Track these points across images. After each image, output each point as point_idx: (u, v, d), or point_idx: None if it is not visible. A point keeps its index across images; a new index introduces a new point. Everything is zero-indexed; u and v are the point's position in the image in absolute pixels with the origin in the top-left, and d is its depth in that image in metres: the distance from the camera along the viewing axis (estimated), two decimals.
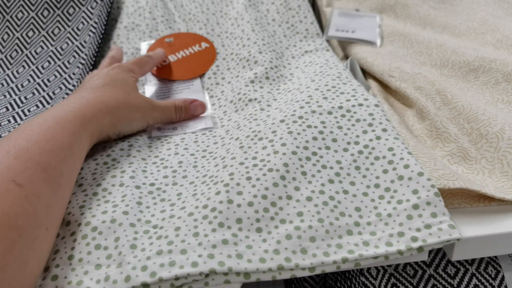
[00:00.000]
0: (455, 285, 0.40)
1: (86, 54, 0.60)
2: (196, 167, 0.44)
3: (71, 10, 0.65)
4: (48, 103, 0.54)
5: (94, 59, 0.60)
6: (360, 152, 0.42)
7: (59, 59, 0.61)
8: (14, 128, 0.49)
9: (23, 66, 0.61)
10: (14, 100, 0.55)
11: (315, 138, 0.43)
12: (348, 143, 0.43)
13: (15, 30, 0.64)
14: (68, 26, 0.64)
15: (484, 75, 0.53)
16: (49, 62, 0.61)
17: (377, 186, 0.39)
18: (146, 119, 0.48)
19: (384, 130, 0.44)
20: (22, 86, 0.58)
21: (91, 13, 0.65)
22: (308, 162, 0.41)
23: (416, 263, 0.41)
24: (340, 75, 0.52)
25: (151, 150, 0.47)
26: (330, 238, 0.35)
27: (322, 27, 0.68)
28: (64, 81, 0.58)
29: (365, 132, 0.44)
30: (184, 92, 0.58)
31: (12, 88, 0.58)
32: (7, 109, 0.54)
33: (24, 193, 0.32)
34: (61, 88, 0.56)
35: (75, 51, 0.61)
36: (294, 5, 0.68)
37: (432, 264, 0.41)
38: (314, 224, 0.36)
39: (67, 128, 0.39)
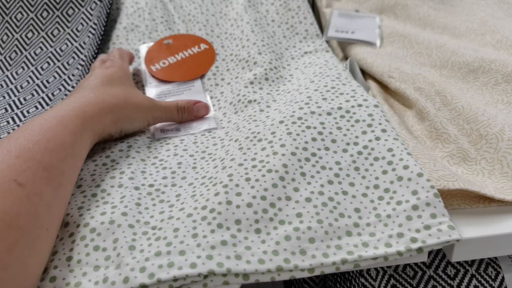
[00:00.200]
0: (455, 286, 0.40)
1: (85, 55, 0.60)
2: (195, 168, 0.44)
3: (70, 11, 0.65)
4: (47, 104, 0.54)
5: (93, 60, 0.60)
6: (360, 153, 0.42)
7: (58, 60, 0.61)
8: (14, 129, 0.49)
9: (23, 67, 0.61)
10: (14, 101, 0.55)
11: (314, 139, 0.43)
12: (348, 144, 0.43)
13: (15, 31, 0.64)
14: (68, 27, 0.64)
15: (483, 76, 0.53)
16: (49, 63, 0.61)
17: (376, 187, 0.39)
18: (147, 117, 0.48)
19: (384, 130, 0.44)
20: (22, 87, 0.58)
21: (91, 14, 0.65)
22: (307, 163, 0.40)
23: (415, 264, 0.41)
24: (340, 76, 0.52)
25: (150, 151, 0.46)
26: (329, 239, 0.35)
27: (321, 28, 0.68)
28: (63, 82, 0.58)
29: (364, 132, 0.44)
30: (185, 93, 0.57)
31: (11, 89, 0.58)
32: (6, 110, 0.54)
33: (26, 193, 0.32)
34: (60, 89, 0.56)
35: (74, 52, 0.61)
36: (294, 6, 0.68)
37: (432, 265, 0.41)
38: (313, 225, 0.36)
39: (68, 127, 0.39)
